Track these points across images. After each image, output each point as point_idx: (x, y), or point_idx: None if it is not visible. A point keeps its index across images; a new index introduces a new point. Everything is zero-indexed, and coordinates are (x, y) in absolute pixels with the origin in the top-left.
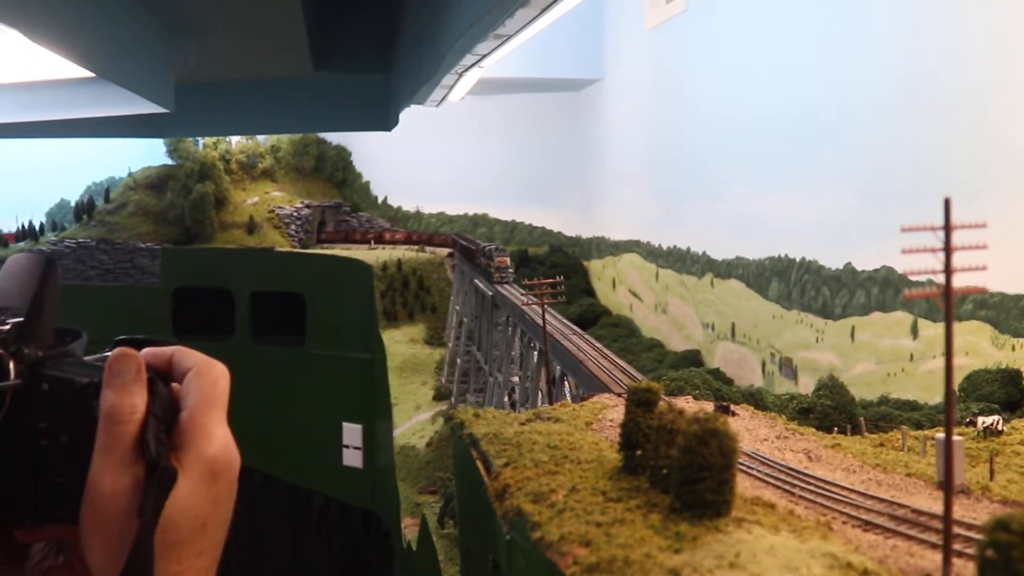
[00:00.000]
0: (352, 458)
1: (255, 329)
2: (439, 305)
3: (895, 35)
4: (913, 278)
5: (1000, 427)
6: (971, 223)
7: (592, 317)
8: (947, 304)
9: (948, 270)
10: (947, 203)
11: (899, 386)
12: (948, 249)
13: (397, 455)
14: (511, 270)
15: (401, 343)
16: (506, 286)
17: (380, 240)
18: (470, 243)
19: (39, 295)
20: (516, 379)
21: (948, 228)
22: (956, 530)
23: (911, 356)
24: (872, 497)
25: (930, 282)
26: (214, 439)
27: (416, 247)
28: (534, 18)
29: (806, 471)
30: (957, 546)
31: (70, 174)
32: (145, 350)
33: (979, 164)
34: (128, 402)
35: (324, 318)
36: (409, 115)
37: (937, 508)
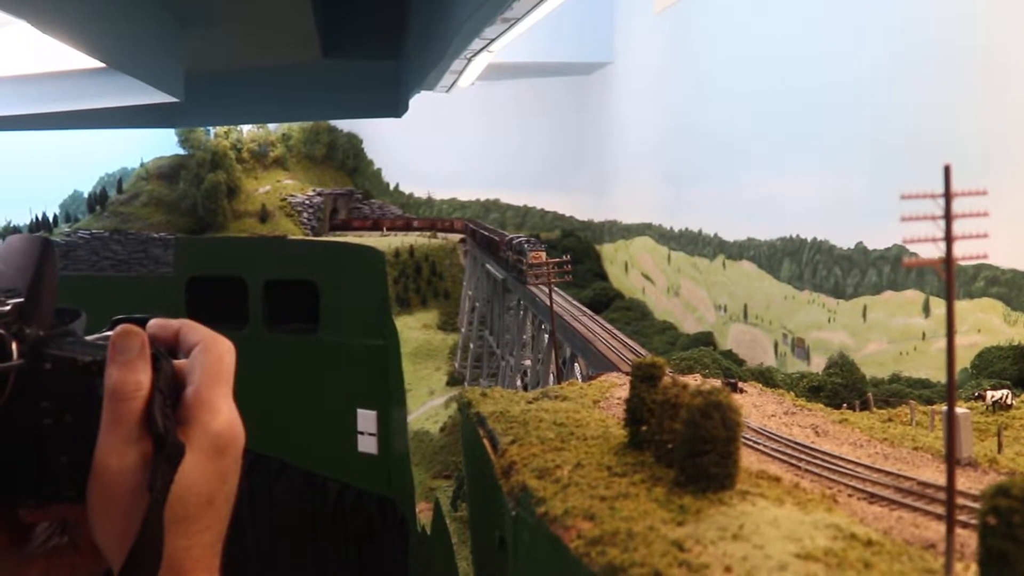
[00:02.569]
0: (367, 444)
1: (269, 317)
2: (452, 291)
3: (905, 11)
4: (912, 247)
5: (1009, 401)
6: (971, 190)
7: (605, 301)
8: (948, 271)
9: (948, 237)
10: (947, 170)
11: (911, 365)
12: (948, 216)
13: (411, 440)
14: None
15: (414, 329)
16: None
17: (395, 227)
18: (492, 233)
19: (38, 275)
20: (528, 362)
21: (948, 195)
22: (961, 501)
23: (923, 335)
24: (878, 470)
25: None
26: (220, 414)
27: (428, 233)
28: (540, 1)
29: (812, 445)
30: (962, 517)
31: (83, 166)
32: (152, 322)
33: (991, 141)
34: (133, 379)
35: (337, 305)
36: (420, 102)
37: (943, 480)
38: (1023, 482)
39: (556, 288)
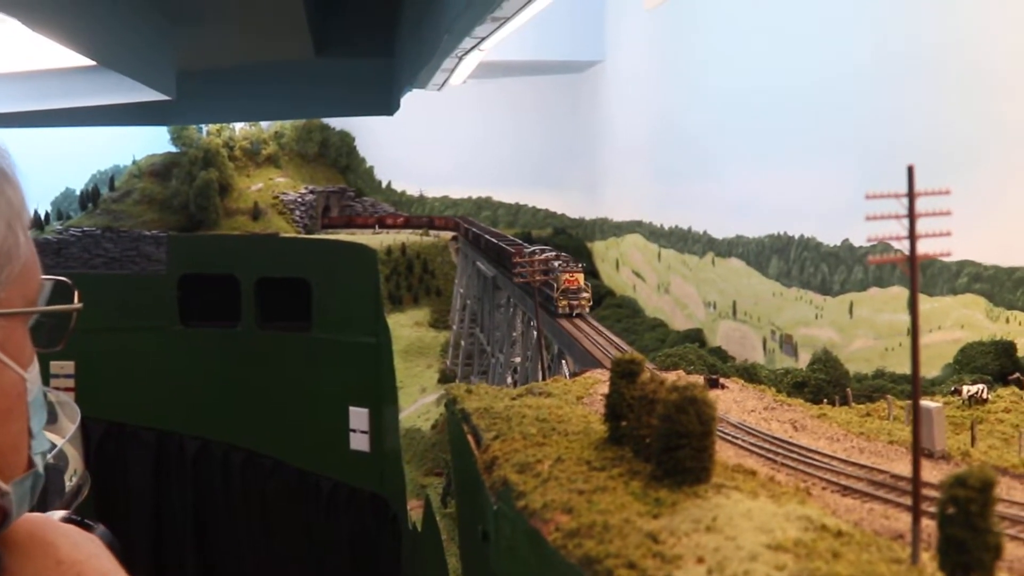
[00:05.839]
0: (359, 442)
1: (261, 315)
2: (444, 288)
3: (893, 11)
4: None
5: (985, 395)
6: (934, 190)
7: (596, 298)
8: (912, 268)
9: (912, 236)
10: (910, 170)
11: (896, 361)
12: (912, 216)
13: (403, 438)
14: (587, 294)
15: (406, 327)
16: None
17: (384, 225)
18: (501, 240)
19: None
20: (518, 359)
21: (912, 195)
22: (929, 492)
23: (907, 331)
24: (852, 463)
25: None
26: (60, 549)
27: (420, 231)
28: (529, 0)
29: (789, 440)
30: (931, 508)
31: (75, 163)
32: None
33: (976, 139)
34: None
35: (330, 303)
36: (412, 100)
37: None
38: (980, 472)
39: (544, 289)
